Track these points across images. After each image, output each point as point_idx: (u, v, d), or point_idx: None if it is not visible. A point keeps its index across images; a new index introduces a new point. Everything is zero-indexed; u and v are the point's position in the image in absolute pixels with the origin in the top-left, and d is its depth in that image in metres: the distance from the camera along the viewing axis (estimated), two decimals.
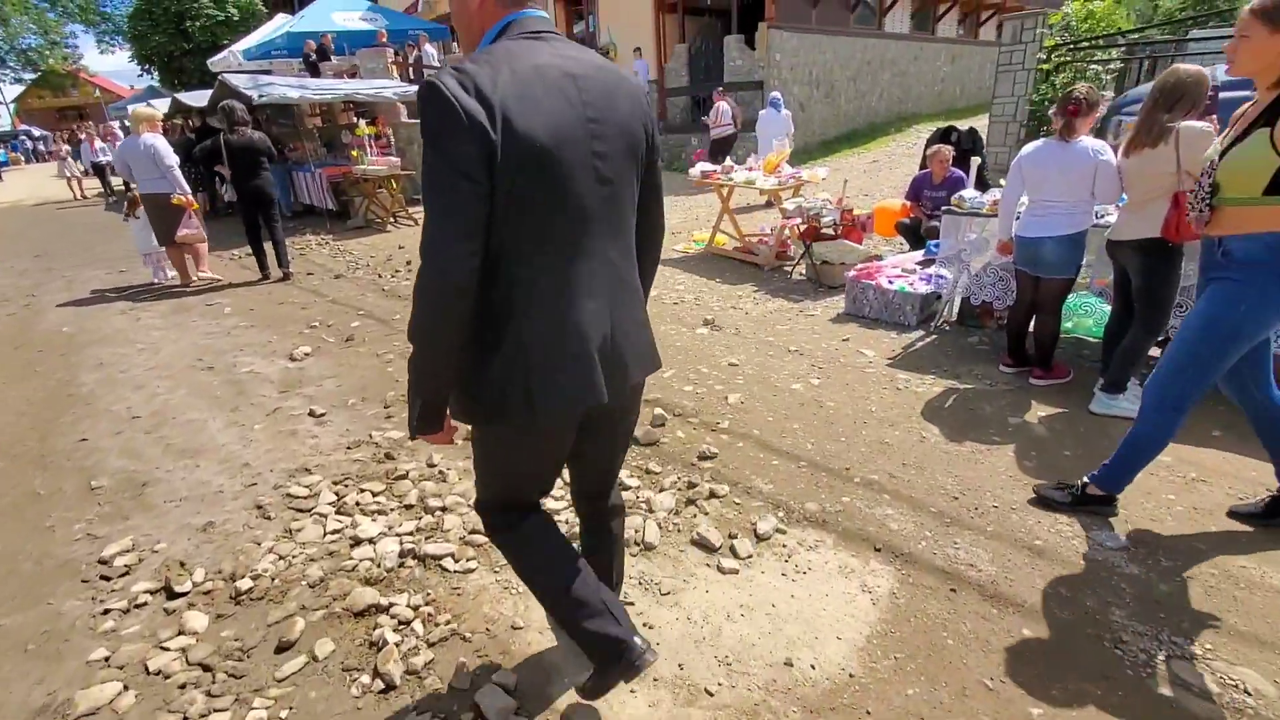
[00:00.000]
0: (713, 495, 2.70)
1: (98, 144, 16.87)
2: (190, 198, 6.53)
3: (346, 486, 2.87)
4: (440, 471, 2.94)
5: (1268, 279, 2.02)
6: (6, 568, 2.47)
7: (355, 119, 10.65)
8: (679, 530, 2.50)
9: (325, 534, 2.56)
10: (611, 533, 1.81)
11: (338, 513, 2.69)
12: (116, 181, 15.89)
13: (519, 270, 1.28)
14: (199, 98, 11.71)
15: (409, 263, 7.21)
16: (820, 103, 15.12)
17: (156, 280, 7.18)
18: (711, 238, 6.86)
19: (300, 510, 2.71)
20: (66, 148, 20.03)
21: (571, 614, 1.54)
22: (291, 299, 6.06)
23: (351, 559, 2.39)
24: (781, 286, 5.63)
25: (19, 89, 39.37)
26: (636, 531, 2.45)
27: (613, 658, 1.53)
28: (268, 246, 6.93)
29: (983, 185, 5.15)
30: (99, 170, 16.57)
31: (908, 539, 2.40)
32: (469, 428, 1.47)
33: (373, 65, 12.15)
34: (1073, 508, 2.51)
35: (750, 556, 2.34)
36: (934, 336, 4.39)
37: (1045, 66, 8.32)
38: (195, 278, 7.02)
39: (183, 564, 2.43)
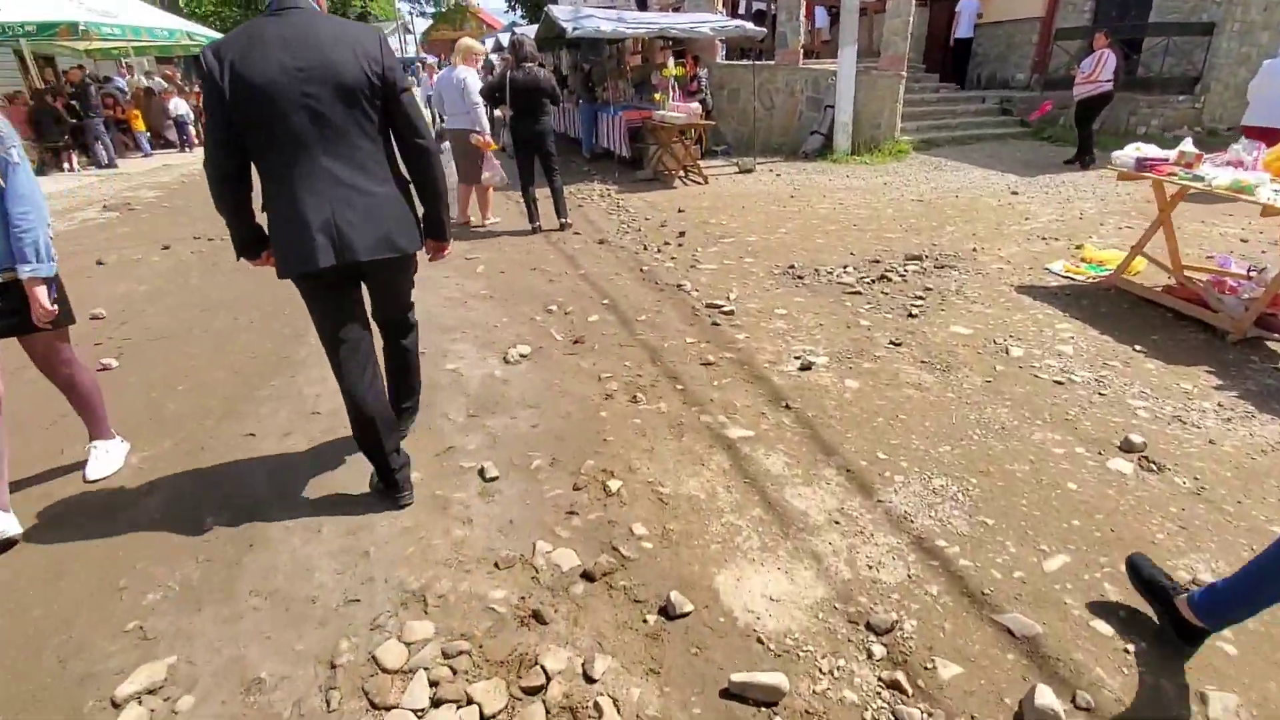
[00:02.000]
0: None
1: (435, 76, 18.46)
2: (488, 138, 6.10)
3: (456, 667, 1.75)
4: (597, 701, 1.65)
5: None
6: None
7: (670, 58, 9.67)
8: None
9: None
10: (402, 346, 2.62)
11: None
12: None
13: (262, 172, 2.04)
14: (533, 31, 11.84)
15: (682, 234, 6.03)
16: None
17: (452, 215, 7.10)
18: (1126, 262, 4.40)
19: (373, 705, 1.66)
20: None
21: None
22: (545, 264, 5.31)
23: None
24: (1275, 384, 3.16)
25: (426, 23, 47.32)
26: None
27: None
28: (541, 194, 6.33)
29: None
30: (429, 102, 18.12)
31: None
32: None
33: None
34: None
35: None
36: None
37: None
38: (483, 220, 6.76)
39: None
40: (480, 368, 3.49)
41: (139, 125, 14.21)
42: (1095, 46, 8.30)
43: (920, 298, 4.31)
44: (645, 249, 5.68)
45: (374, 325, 2.42)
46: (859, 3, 9.86)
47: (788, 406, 2.99)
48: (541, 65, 5.90)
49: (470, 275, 5.11)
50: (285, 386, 3.35)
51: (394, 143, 2.17)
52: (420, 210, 2.30)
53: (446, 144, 6.72)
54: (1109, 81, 8.19)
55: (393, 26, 47.48)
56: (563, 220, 6.30)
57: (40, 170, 11.69)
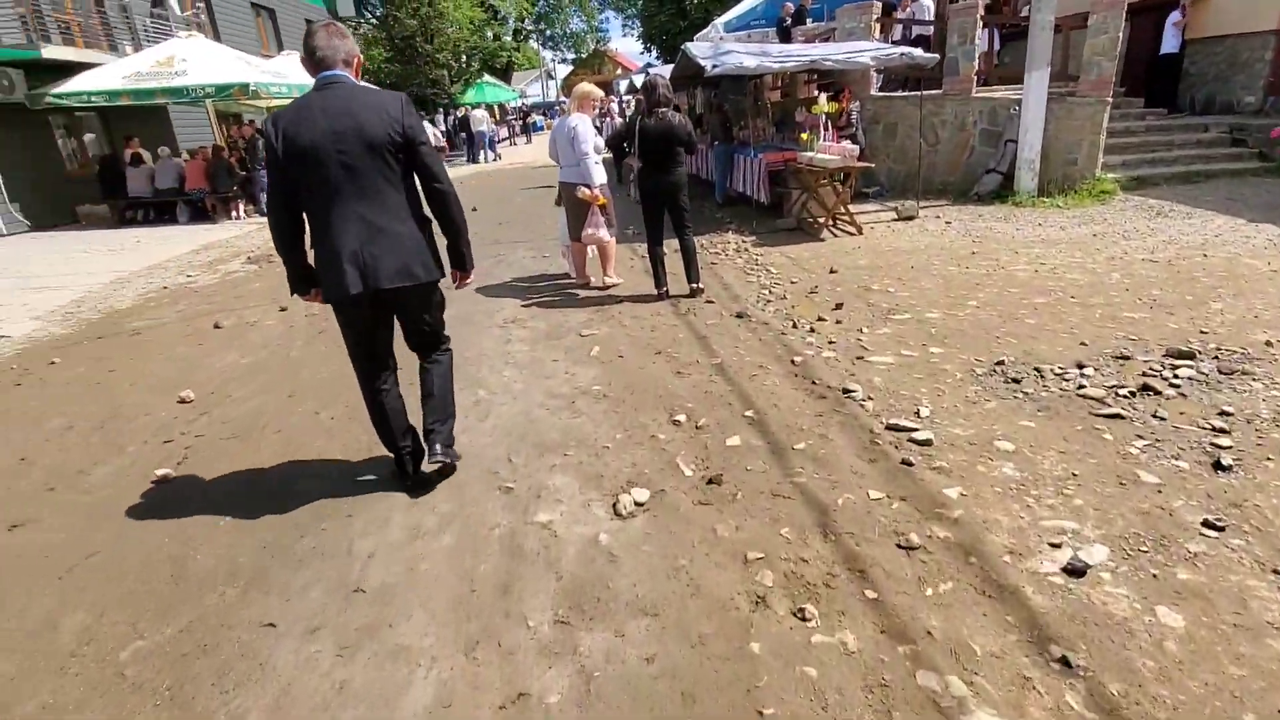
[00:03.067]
0: None
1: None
2: (598, 192, 5.37)
3: None
4: None
5: None
6: None
7: (815, 93, 8.61)
8: None
9: None
10: (430, 372, 2.87)
11: None
12: None
13: (309, 215, 2.48)
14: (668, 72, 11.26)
15: (839, 307, 4.91)
16: None
17: (571, 275, 6.46)
18: None
19: None
20: None
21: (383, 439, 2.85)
22: (673, 347, 4.38)
23: None
24: None
25: (566, 69, 49.44)
26: None
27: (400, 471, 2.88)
28: (669, 249, 5.47)
29: None
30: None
31: None
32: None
33: (852, 25, 9.87)
34: None
35: None
36: None
37: None
38: (604, 281, 6.03)
39: None
40: (581, 523, 2.58)
41: None
42: None
43: (1221, 430, 2.90)
44: (794, 326, 4.61)
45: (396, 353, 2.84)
46: (1052, 19, 8.32)
47: (1066, 663, 1.79)
48: (677, 109, 5.07)
49: (583, 359, 4.29)
50: (334, 537, 2.61)
51: (417, 187, 2.56)
52: (444, 244, 2.73)
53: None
54: None
55: (536, 74, 50.13)
56: (694, 285, 5.39)
57: (212, 217, 12.68)
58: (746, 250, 6.98)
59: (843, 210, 7.31)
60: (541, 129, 34.29)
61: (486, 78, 30.05)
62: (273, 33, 21.57)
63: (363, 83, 2.58)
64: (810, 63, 7.43)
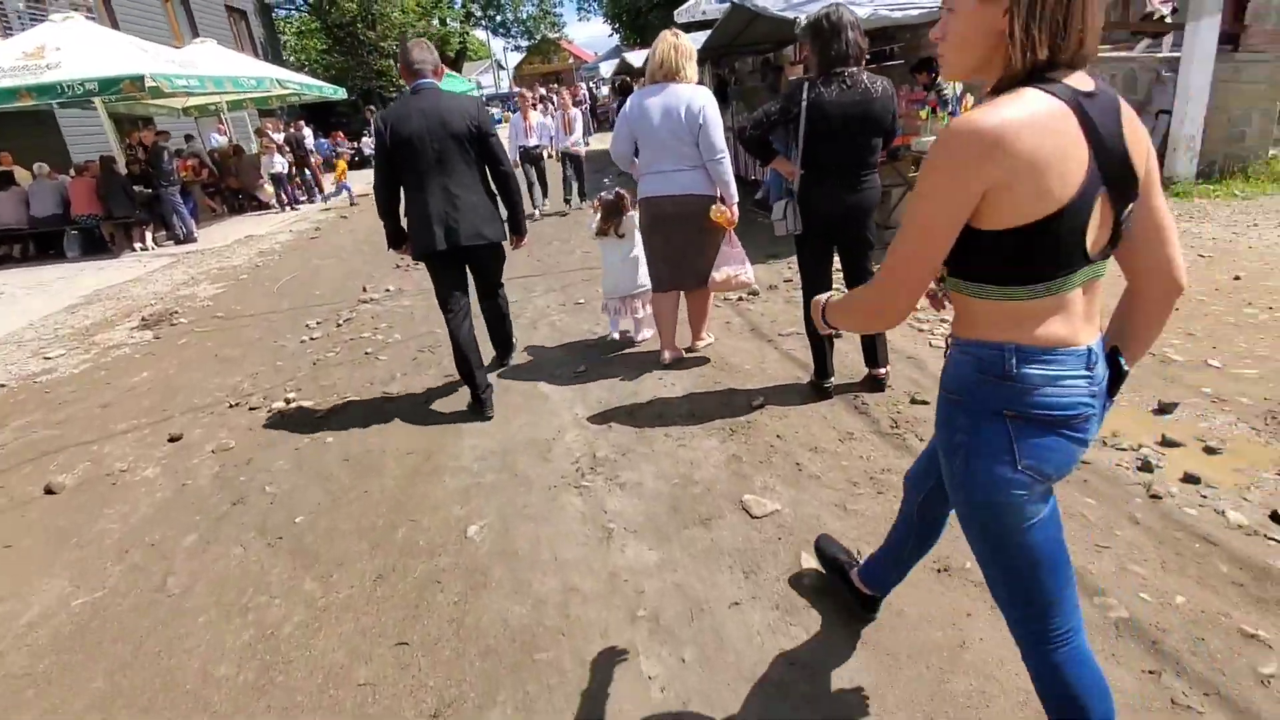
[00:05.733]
0: None
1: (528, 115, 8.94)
2: (734, 208, 3.19)
3: None
4: None
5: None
6: None
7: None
8: None
9: None
10: (494, 306, 3.76)
11: None
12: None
13: (406, 190, 3.19)
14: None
15: (1165, 412, 2.78)
16: None
17: (615, 334, 4.21)
18: None
19: None
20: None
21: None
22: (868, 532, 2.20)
23: None
24: None
25: (518, 57, 46.37)
26: None
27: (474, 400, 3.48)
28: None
29: None
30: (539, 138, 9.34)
31: None
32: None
33: None
34: None
35: None
36: None
37: None
38: (695, 344, 3.87)
39: None
40: None
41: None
42: None
43: None
44: (1133, 453, 2.46)
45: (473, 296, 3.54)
46: None
47: None
48: (858, 65, 2.81)
49: (780, 594, 2.06)
50: None
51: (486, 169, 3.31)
52: (505, 214, 3.46)
53: (632, 215, 3.83)
54: None
55: (486, 65, 46.92)
56: (880, 370, 3.20)
57: (109, 249, 9.92)
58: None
59: None
60: (499, 121, 31.46)
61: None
62: (186, 20, 18.41)
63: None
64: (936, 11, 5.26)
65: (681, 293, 3.71)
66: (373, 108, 16.98)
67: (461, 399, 3.64)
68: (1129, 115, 1.05)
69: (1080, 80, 1.01)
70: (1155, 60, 6.75)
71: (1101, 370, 1.12)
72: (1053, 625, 1.20)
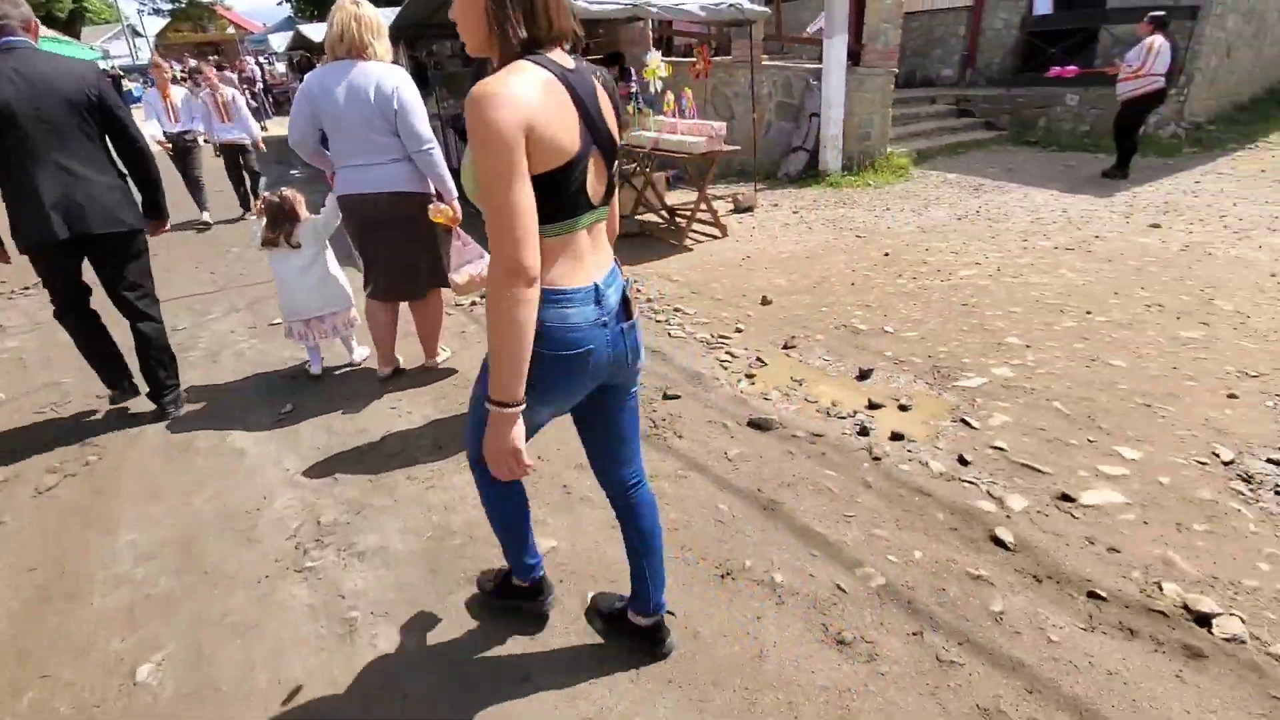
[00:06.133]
0: None
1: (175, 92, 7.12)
2: (455, 203, 2.83)
3: None
4: None
5: None
6: None
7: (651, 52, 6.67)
8: None
9: None
10: (145, 329, 3.00)
11: None
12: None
13: (6, 168, 2.62)
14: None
15: (865, 377, 3.19)
16: (1247, 45, 9.90)
17: (315, 369, 3.52)
18: None
19: None
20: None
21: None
22: (718, 539, 2.18)
23: None
24: None
25: (162, 23, 38.21)
26: None
27: None
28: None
29: None
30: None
31: None
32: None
33: None
34: None
35: None
36: None
37: None
38: (433, 359, 3.42)
39: None
40: None
41: None
42: (1141, 33, 6.81)
43: None
44: (827, 416, 2.76)
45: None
46: None
47: None
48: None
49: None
50: None
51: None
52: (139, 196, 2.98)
53: (329, 207, 3.20)
54: (1161, 76, 6.71)
55: (116, 30, 37.79)
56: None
57: None
58: None
59: (705, 207, 5.58)
60: (139, 99, 25.51)
61: (45, 31, 20.87)
62: None
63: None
64: (632, 8, 5.40)
65: (406, 304, 3.23)
66: None
67: (114, 478, 2.69)
68: (602, 90, 1.27)
69: (563, 58, 1.20)
70: (805, 70, 7.93)
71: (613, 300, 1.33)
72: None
